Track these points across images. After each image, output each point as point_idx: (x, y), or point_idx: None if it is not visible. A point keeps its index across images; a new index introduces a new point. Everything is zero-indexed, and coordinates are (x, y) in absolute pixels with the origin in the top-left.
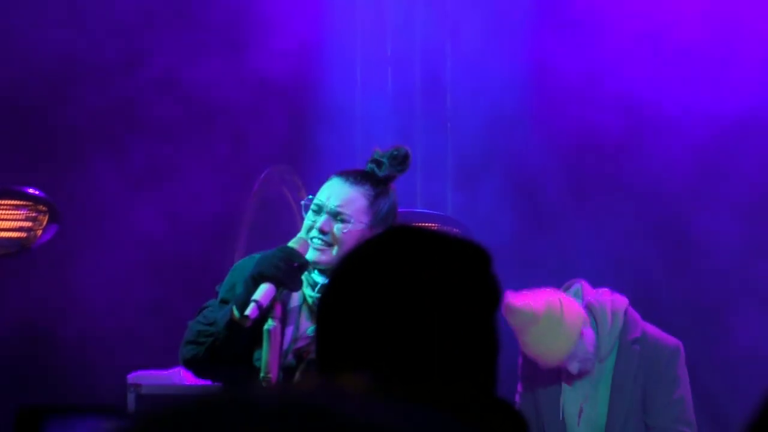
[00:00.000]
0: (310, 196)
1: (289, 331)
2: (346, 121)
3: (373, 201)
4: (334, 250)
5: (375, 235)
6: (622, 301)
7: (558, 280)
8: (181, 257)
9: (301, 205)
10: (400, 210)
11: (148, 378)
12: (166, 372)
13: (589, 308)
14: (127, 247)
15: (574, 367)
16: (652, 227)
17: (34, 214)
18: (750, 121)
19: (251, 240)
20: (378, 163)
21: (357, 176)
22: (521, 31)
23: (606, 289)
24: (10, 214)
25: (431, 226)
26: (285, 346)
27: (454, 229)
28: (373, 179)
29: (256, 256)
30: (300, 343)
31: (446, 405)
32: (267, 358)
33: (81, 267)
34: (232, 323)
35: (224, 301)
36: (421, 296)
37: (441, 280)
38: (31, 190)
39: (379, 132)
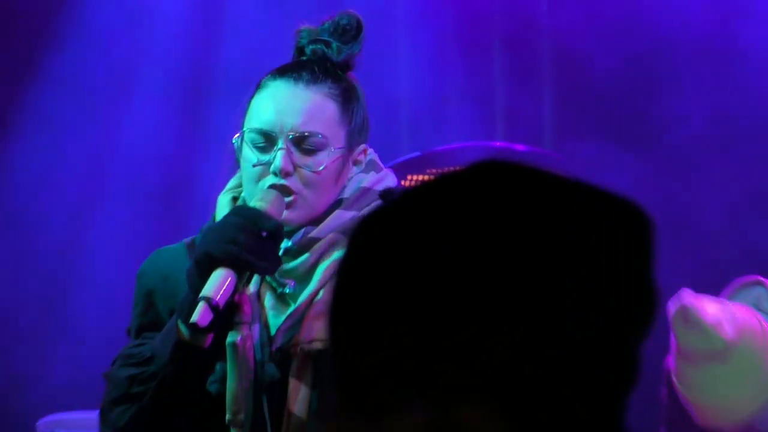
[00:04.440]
0: (245, 129)
1: (255, 330)
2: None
3: (343, 104)
4: (307, 199)
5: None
6: None
7: None
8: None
9: (235, 147)
10: (479, 144)
11: (63, 423)
12: (82, 414)
13: None
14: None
15: (764, 427)
16: None
17: None
18: None
19: None
20: (326, 44)
21: (310, 71)
22: None
23: None
24: None
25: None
26: (258, 356)
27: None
28: (329, 70)
29: (164, 249)
30: (278, 342)
31: None
32: (235, 388)
33: None
34: (180, 347)
35: (144, 329)
36: (544, 274)
37: (576, 248)
38: None
39: None
